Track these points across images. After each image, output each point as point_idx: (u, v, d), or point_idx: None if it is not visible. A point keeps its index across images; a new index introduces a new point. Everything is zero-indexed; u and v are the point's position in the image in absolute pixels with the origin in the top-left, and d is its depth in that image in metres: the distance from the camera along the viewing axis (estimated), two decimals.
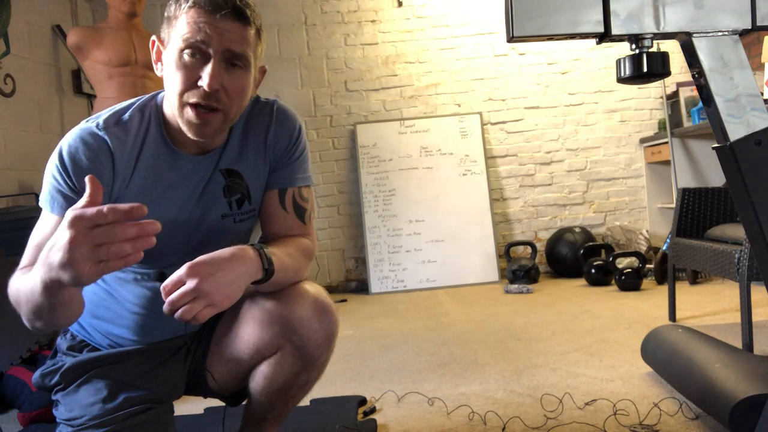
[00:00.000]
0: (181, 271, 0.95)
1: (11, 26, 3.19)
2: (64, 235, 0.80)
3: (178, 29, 1.04)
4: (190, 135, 1.08)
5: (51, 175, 1.07)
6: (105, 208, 0.80)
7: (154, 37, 1.13)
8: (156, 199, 1.12)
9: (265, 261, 1.05)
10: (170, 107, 1.11)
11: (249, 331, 1.20)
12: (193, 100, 1.05)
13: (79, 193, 1.05)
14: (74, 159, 1.07)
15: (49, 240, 0.84)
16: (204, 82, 1.03)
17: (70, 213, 0.81)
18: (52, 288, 0.87)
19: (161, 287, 0.95)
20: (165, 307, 0.94)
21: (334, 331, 1.21)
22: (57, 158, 1.07)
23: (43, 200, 1.08)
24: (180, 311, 0.94)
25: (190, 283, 0.94)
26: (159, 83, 3.43)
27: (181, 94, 1.05)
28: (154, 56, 1.13)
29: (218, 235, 1.19)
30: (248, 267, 1.02)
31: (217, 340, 1.27)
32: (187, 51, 1.03)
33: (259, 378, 1.23)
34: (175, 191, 1.14)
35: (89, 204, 0.82)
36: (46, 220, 1.07)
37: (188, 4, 1.03)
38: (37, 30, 3.49)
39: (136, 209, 0.81)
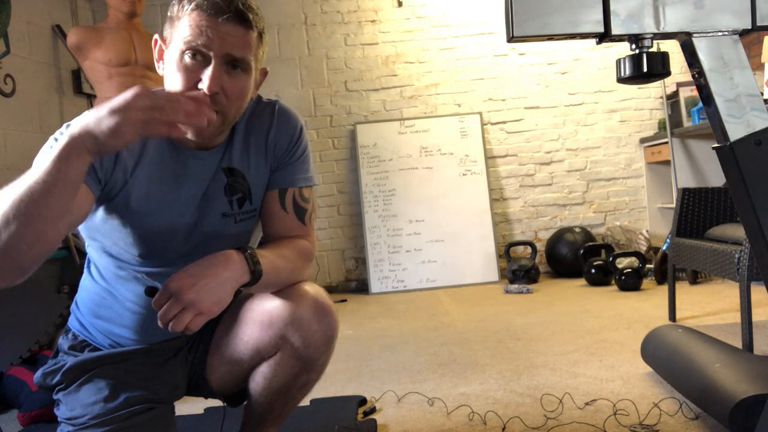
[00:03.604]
0: (166, 284, 0.97)
1: (11, 26, 3.19)
2: (127, 93, 0.88)
3: (180, 30, 1.04)
4: (188, 135, 1.09)
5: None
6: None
7: (156, 36, 1.13)
8: (158, 195, 1.13)
9: (251, 263, 1.05)
10: None
11: (249, 332, 1.21)
12: None
13: None
14: None
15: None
16: (204, 84, 1.03)
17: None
18: (70, 152, 0.86)
19: (152, 302, 0.97)
20: (158, 321, 0.96)
21: (334, 333, 1.21)
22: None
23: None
24: (170, 324, 0.95)
25: (175, 296, 0.95)
26: (159, 83, 3.44)
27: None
28: (156, 55, 1.14)
29: (218, 234, 1.19)
30: (232, 271, 1.02)
31: (217, 341, 1.28)
32: (188, 53, 1.04)
33: (258, 379, 1.24)
34: (177, 188, 1.14)
35: None
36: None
37: (191, 6, 1.03)
38: (37, 30, 3.49)
39: (199, 95, 0.97)
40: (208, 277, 0.98)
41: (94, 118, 0.87)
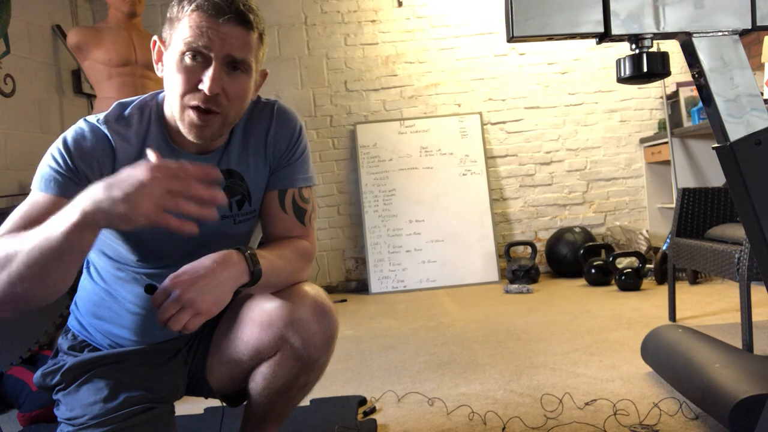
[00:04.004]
0: (165, 283, 0.96)
1: (11, 26, 3.19)
2: (140, 173, 0.86)
3: (180, 32, 1.04)
4: (189, 137, 1.09)
5: (50, 157, 1.06)
6: (186, 162, 0.89)
7: (155, 38, 1.13)
8: None
9: (251, 264, 1.05)
10: (170, 108, 1.11)
11: (248, 333, 1.20)
12: (193, 102, 1.05)
13: (78, 177, 1.05)
14: (79, 144, 1.07)
15: (109, 179, 0.88)
16: (205, 86, 1.03)
17: (150, 162, 0.87)
18: (83, 227, 0.87)
19: (151, 300, 0.96)
20: (156, 319, 0.96)
21: (334, 333, 1.21)
22: (60, 143, 1.08)
23: (36, 181, 1.05)
24: (169, 323, 0.95)
25: (173, 295, 0.95)
26: (159, 83, 3.44)
27: (182, 96, 1.05)
28: (155, 56, 1.13)
29: (217, 235, 1.19)
30: (231, 272, 1.01)
31: (217, 341, 1.27)
32: (188, 54, 1.03)
33: (258, 379, 1.23)
34: None
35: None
36: (36, 198, 1.03)
37: (191, 7, 1.03)
38: (37, 30, 3.49)
39: (212, 172, 0.90)
40: (207, 277, 0.98)
41: (109, 199, 0.86)
